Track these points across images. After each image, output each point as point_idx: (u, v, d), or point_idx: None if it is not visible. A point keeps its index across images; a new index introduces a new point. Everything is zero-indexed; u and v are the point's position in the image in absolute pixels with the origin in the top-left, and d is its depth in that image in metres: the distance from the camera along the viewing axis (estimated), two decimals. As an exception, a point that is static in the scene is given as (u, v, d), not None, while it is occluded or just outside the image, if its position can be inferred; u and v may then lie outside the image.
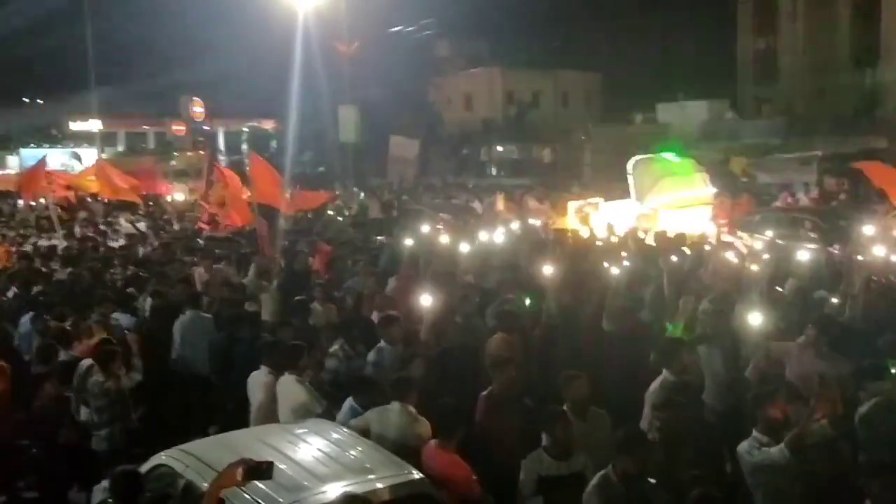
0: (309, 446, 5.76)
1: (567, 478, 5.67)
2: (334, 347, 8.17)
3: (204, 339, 9.35)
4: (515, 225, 15.83)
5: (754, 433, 5.69)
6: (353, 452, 5.71)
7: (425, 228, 14.85)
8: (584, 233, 14.88)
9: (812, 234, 15.51)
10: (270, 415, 7.16)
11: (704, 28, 45.61)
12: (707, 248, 11.88)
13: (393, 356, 7.77)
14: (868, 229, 12.53)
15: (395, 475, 5.41)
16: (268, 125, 49.62)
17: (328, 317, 9.69)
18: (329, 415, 6.78)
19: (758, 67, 43.40)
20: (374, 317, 8.99)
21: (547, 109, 53.31)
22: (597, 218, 16.08)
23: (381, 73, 43.50)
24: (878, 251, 10.16)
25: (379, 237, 16.65)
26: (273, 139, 49.71)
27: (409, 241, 12.18)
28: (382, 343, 8.00)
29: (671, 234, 13.38)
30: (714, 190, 17.77)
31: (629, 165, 17.08)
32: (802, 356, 7.11)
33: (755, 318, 7.39)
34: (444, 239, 13.02)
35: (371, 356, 7.91)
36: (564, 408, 6.18)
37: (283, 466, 5.30)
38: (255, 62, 42.10)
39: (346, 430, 6.19)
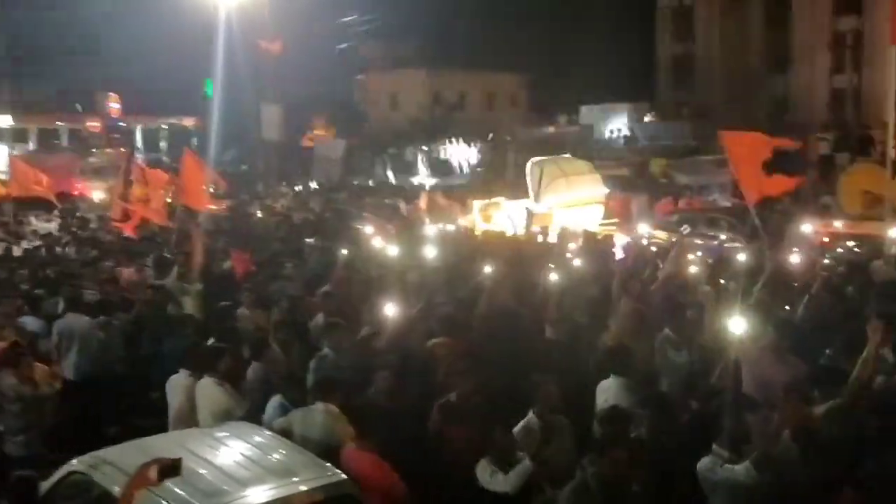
0: (230, 450, 5.64)
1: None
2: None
3: (113, 344, 9.13)
4: (450, 226, 15.88)
5: (715, 448, 5.26)
6: (275, 455, 5.61)
7: (360, 230, 14.68)
8: (498, 230, 15.23)
9: (728, 234, 16.12)
10: (190, 419, 6.98)
11: (626, 32, 46.72)
12: (654, 249, 11.96)
13: (335, 364, 7.45)
14: (802, 229, 12.77)
15: (318, 477, 5.34)
16: (188, 122, 48.45)
17: (256, 322, 9.26)
18: (252, 417, 6.64)
19: (676, 72, 44.65)
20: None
21: (473, 110, 53.66)
22: (500, 216, 16.82)
23: (305, 72, 43.06)
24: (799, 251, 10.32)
25: (309, 240, 16.26)
26: (193, 136, 48.60)
27: (341, 244, 11.92)
28: (326, 350, 7.67)
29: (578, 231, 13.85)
30: (606, 190, 18.64)
31: (527, 167, 18.00)
32: (762, 361, 6.76)
33: (728, 321, 6.89)
34: (379, 241, 12.85)
35: (313, 363, 7.51)
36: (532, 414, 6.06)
37: (203, 471, 5.17)
38: (174, 58, 41.09)
39: (268, 432, 6.08)
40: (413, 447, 6.13)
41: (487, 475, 5.62)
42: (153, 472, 4.21)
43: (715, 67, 42.18)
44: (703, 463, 5.21)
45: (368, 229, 14.71)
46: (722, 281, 9.84)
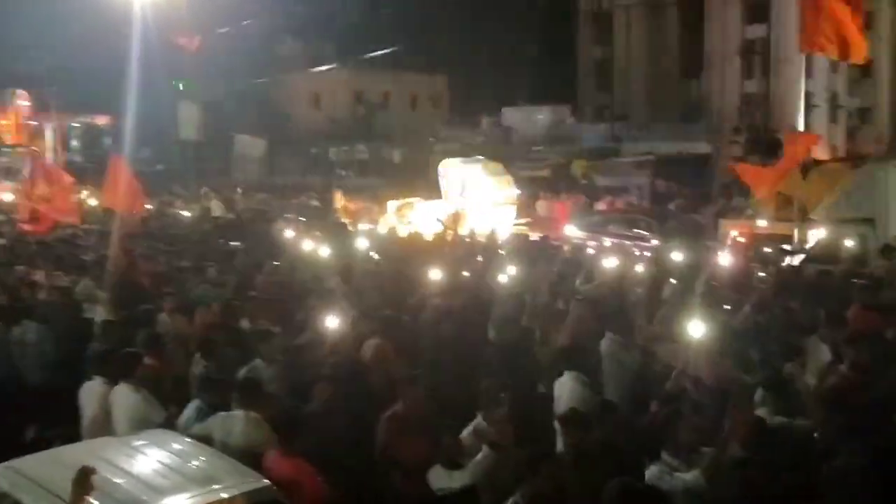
0: (148, 458, 5.46)
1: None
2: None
3: (27, 350, 8.76)
4: (373, 227, 15.82)
5: (664, 456, 5.13)
6: (195, 462, 5.46)
7: (284, 233, 14.40)
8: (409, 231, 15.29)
9: (646, 234, 16.55)
10: (105, 427, 6.73)
11: (548, 35, 47.43)
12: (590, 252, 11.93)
13: (269, 375, 7.08)
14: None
15: (240, 483, 5.22)
16: (101, 121, 46.86)
17: (176, 328, 8.97)
18: (172, 424, 6.46)
19: (597, 75, 45.54)
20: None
21: (395, 111, 53.59)
22: (414, 216, 17.05)
23: (225, 70, 42.22)
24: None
25: (233, 242, 15.74)
26: (107, 136, 47.04)
27: (268, 247, 11.56)
28: (257, 361, 7.33)
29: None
30: (518, 191, 19.08)
31: (440, 168, 18.40)
32: (702, 364, 6.63)
33: (678, 323, 6.95)
34: (307, 244, 12.56)
35: (243, 372, 7.15)
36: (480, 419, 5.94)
37: (119, 481, 5.00)
38: (87, 54, 39.69)
39: (187, 439, 5.92)
40: (355, 459, 5.99)
41: (445, 477, 5.50)
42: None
43: (633, 71, 43.20)
44: (652, 472, 5.07)
45: (294, 232, 14.49)
46: (664, 281, 9.77)
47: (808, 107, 30.32)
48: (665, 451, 5.14)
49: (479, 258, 11.73)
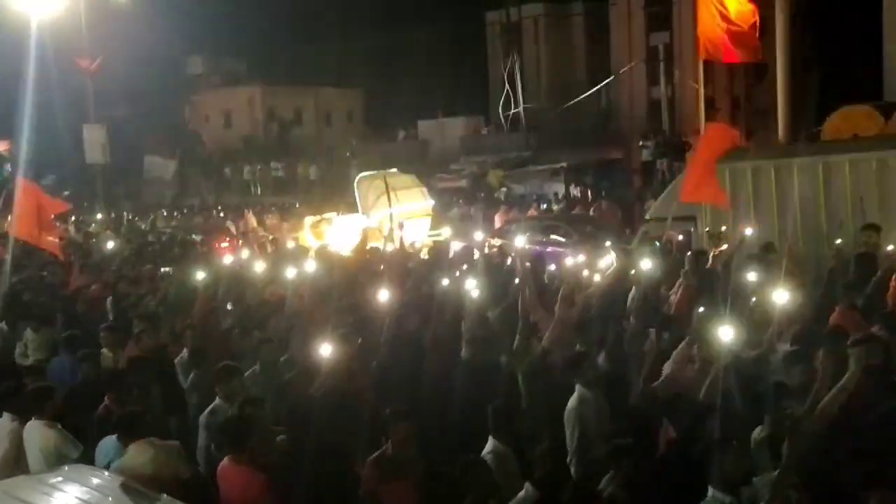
0: (65, 495, 5.23)
1: None
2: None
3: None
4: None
5: (712, 493, 4.68)
6: (115, 497, 5.27)
7: (215, 256, 13.75)
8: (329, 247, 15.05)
9: (562, 239, 16.84)
10: (16, 466, 6.42)
11: (460, 47, 47.90)
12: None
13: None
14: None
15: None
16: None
17: (117, 363, 8.32)
18: (88, 459, 6.21)
19: (507, 85, 46.17)
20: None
21: (310, 127, 53.20)
22: (332, 232, 16.90)
23: (129, 91, 41.11)
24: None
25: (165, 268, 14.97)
26: (6, 162, 45.14)
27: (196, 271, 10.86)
28: (218, 401, 6.76)
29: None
30: (432, 202, 19.23)
31: (355, 182, 18.39)
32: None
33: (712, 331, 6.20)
34: (252, 266, 11.78)
35: (203, 418, 6.70)
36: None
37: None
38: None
39: (107, 473, 5.70)
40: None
41: None
42: None
43: (543, 80, 44.02)
44: None
45: (223, 254, 13.93)
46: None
47: (711, 110, 31.61)
48: (713, 487, 4.72)
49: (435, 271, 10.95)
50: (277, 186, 42.21)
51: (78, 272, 12.66)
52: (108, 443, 6.20)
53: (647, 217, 14.45)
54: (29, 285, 12.36)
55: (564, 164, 30.45)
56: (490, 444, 5.74)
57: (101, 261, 15.06)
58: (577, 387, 6.30)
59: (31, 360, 9.28)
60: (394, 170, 19.95)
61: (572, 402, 6.26)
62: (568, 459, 6.04)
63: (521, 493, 5.06)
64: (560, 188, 29.50)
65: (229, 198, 37.78)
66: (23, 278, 12.86)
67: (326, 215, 18.71)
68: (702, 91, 18.42)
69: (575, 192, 28.66)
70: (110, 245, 17.27)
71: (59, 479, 5.54)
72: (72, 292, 11.60)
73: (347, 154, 40.74)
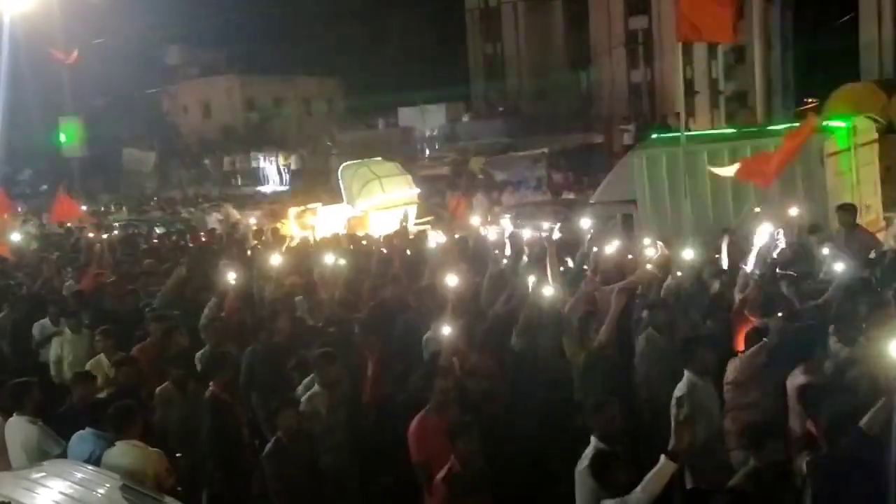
0: (49, 490, 5.22)
1: None
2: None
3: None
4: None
5: None
6: (100, 491, 5.26)
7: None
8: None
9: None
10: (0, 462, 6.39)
11: (439, 33, 47.69)
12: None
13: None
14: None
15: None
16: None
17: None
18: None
19: (488, 71, 46.07)
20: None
21: (289, 116, 52.86)
22: (316, 222, 16.84)
23: (106, 83, 40.65)
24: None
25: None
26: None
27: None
28: (316, 388, 6.66)
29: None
30: (417, 190, 19.17)
31: (339, 171, 18.34)
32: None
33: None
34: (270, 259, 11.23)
35: (304, 405, 6.43)
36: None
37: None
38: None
39: (90, 467, 5.67)
40: None
41: None
42: None
43: (523, 66, 43.91)
44: None
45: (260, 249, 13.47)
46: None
47: (690, 93, 31.67)
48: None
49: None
50: (256, 177, 41.91)
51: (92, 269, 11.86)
52: (86, 437, 6.10)
53: (592, 201, 14.62)
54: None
55: (545, 150, 30.42)
56: (593, 443, 5.30)
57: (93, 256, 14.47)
58: (687, 373, 5.99)
59: (70, 358, 8.85)
60: (377, 158, 19.93)
61: (681, 389, 5.94)
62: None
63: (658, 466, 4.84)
64: (542, 174, 29.48)
65: (209, 189, 37.46)
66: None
67: (311, 205, 18.62)
68: (681, 74, 18.44)
69: (557, 177, 28.64)
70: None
71: (42, 474, 5.52)
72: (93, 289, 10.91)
73: (328, 143, 40.54)
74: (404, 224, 14.46)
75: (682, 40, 11.94)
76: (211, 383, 6.85)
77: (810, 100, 27.24)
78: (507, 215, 16.70)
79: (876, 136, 12.40)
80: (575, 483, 5.14)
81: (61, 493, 5.17)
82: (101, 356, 8.13)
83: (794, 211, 10.08)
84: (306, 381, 6.95)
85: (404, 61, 48.38)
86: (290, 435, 6.02)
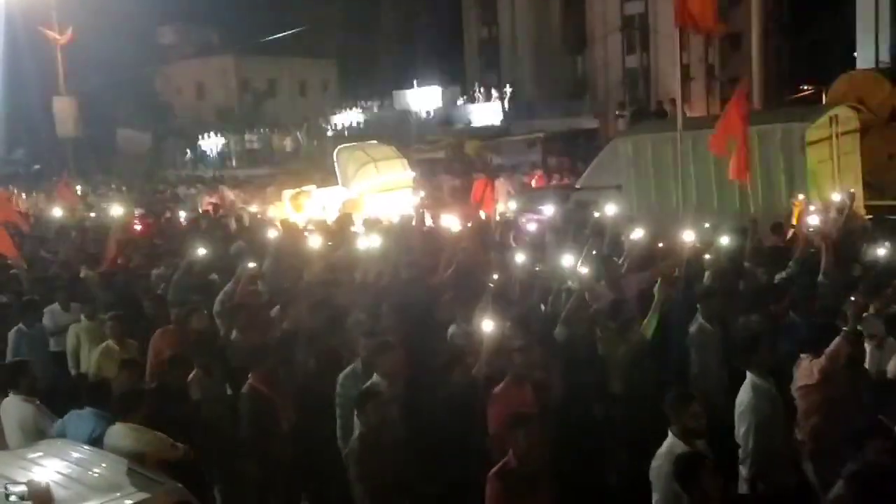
0: (45, 470, 5.24)
1: None
2: None
3: None
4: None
5: None
6: (97, 470, 5.29)
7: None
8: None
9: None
10: (-4, 440, 6.44)
11: (435, 16, 47.43)
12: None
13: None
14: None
15: (145, 488, 5.10)
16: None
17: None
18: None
19: (484, 55, 45.91)
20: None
21: (284, 97, 52.62)
22: (311, 205, 16.79)
23: (100, 62, 40.37)
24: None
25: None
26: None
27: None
28: (375, 377, 6.21)
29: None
30: (413, 174, 19.14)
31: (334, 154, 18.30)
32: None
33: None
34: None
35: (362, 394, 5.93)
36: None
37: (16, 497, 4.79)
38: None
39: (87, 447, 5.71)
40: None
41: None
42: None
43: (519, 50, 43.77)
44: None
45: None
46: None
47: (686, 79, 31.61)
48: None
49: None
50: (252, 158, 41.78)
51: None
52: (86, 416, 6.08)
53: (577, 186, 14.68)
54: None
55: (541, 134, 30.39)
56: (670, 441, 4.99)
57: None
58: (749, 375, 5.61)
59: (88, 346, 8.53)
60: (373, 141, 19.85)
61: (745, 392, 5.58)
62: (741, 458, 5.51)
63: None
64: (537, 158, 29.47)
65: (203, 171, 37.32)
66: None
67: (305, 188, 18.53)
68: (678, 59, 18.41)
69: (552, 161, 28.63)
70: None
71: (40, 454, 5.55)
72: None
73: (323, 126, 40.41)
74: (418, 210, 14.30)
75: (680, 25, 11.93)
76: (250, 375, 6.49)
77: (806, 87, 27.25)
78: (514, 201, 16.73)
79: (858, 125, 12.47)
80: (650, 480, 4.85)
81: (58, 471, 5.20)
82: (110, 342, 7.95)
83: (838, 196, 10.08)
84: (347, 370, 6.59)
85: (400, 44, 48.17)
86: (374, 431, 5.50)
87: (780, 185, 10.48)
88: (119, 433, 5.73)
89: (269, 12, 49.16)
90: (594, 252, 8.80)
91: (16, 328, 8.68)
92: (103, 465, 5.37)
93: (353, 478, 5.50)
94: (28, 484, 4.56)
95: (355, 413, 5.62)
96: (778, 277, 8.03)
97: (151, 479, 5.23)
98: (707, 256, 8.29)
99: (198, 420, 6.43)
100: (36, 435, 6.22)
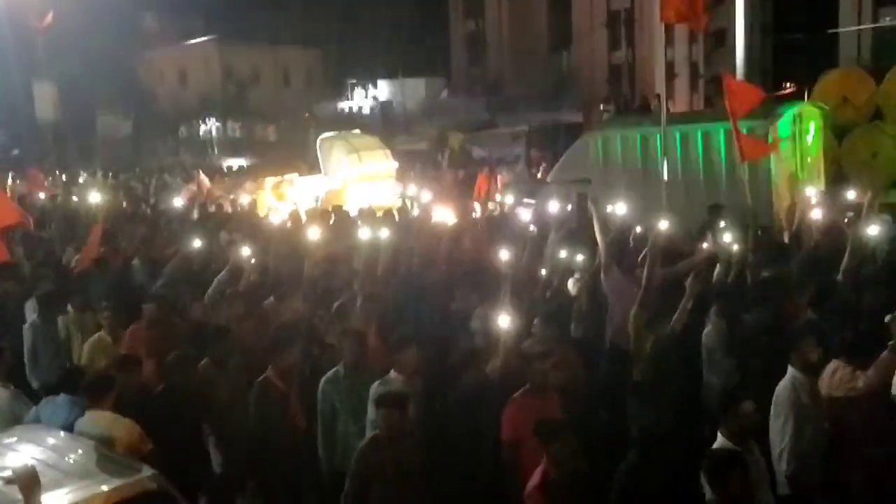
0: (20, 455, 5.17)
1: None
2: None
3: None
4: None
5: None
6: (73, 456, 5.23)
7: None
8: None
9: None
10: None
11: (421, 8, 47.30)
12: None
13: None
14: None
15: (121, 475, 5.04)
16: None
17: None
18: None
19: (469, 48, 45.88)
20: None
21: (268, 86, 52.30)
22: (293, 193, 16.78)
23: (81, 47, 39.93)
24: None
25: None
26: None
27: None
28: (392, 373, 6.06)
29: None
30: (396, 164, 19.12)
31: (318, 143, 18.30)
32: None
33: None
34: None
35: (373, 390, 5.86)
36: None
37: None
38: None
39: (63, 433, 5.64)
40: None
41: None
42: None
43: (504, 44, 43.78)
44: None
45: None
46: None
47: (671, 76, 31.76)
48: None
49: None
50: (234, 147, 41.58)
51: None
52: (61, 403, 6.03)
53: (548, 180, 14.76)
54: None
55: (525, 128, 30.42)
56: (720, 441, 4.86)
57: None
58: (790, 369, 5.50)
59: (80, 338, 8.16)
60: (356, 130, 19.85)
61: (784, 387, 5.46)
62: (777, 453, 5.39)
63: None
64: (521, 151, 29.51)
65: (185, 158, 37.06)
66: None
67: (287, 176, 18.51)
68: (663, 55, 18.53)
69: (536, 155, 28.67)
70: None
71: (14, 439, 5.49)
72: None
73: (306, 115, 40.24)
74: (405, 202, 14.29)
75: (667, 21, 11.99)
76: (269, 367, 6.32)
77: (788, 84, 27.40)
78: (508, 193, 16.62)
79: (821, 122, 12.52)
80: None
81: (33, 457, 5.12)
82: (102, 333, 7.73)
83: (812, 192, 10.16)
84: (329, 374, 6.37)
85: (385, 34, 47.96)
86: (393, 433, 5.33)
87: (742, 183, 10.48)
88: (90, 419, 5.69)
89: (254, 0, 48.88)
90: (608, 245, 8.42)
91: (30, 322, 8.37)
92: (80, 451, 5.31)
93: (350, 474, 5.43)
94: (14, 469, 4.50)
95: (373, 412, 5.49)
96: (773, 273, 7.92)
97: (128, 465, 5.18)
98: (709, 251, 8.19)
99: (214, 417, 6.32)
100: (11, 420, 6.14)
